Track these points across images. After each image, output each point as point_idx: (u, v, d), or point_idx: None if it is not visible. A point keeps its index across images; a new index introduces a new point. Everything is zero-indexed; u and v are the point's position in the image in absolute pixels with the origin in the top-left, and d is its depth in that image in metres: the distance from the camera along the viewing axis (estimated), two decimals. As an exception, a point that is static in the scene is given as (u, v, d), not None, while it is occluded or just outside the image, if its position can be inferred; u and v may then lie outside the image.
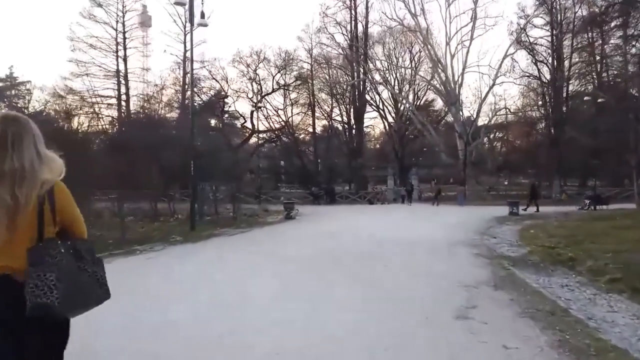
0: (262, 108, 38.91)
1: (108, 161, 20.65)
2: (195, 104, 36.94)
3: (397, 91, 43.46)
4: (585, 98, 36.59)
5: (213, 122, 38.84)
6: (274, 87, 38.48)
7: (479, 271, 8.48)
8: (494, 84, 39.33)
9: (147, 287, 7.33)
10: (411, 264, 9.41)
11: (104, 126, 35.44)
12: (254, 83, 38.26)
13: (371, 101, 44.89)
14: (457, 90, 40.33)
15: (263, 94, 38.43)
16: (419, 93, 46.60)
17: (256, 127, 37.83)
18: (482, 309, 5.81)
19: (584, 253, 9.76)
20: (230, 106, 38.36)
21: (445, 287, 7.17)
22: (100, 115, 35.52)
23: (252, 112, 36.87)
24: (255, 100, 37.05)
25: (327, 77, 41.62)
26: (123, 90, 40.16)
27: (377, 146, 62.78)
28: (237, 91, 37.70)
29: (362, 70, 41.22)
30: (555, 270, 8.58)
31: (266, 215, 21.91)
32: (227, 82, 38.29)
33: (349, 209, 27.80)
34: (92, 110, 36.02)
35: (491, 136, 52.34)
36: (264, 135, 40.99)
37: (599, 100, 33.71)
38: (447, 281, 7.54)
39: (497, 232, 15.71)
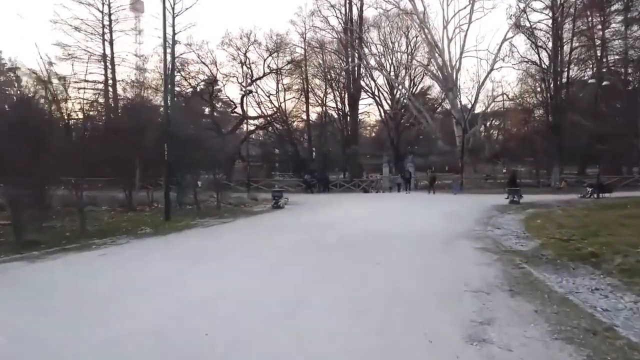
0: (253, 93, 37.04)
1: (89, 148, 19.08)
2: (182, 88, 35.49)
3: (393, 76, 41.81)
4: (591, 81, 35.02)
5: (205, 109, 37.20)
6: (265, 71, 36.77)
7: (488, 270, 7.08)
8: (492, 69, 37.82)
9: (73, 295, 5.82)
10: (408, 262, 8.00)
11: (89, 112, 33.64)
12: (244, 67, 36.65)
13: (366, 87, 43.36)
14: (454, 76, 38.77)
15: (254, 79, 36.67)
16: (415, 79, 45.04)
17: (247, 113, 35.89)
18: (500, 326, 4.42)
19: (607, 247, 8.36)
20: (220, 91, 36.54)
21: (450, 292, 5.78)
22: (86, 101, 33.70)
23: (242, 97, 35.00)
24: (245, 85, 35.11)
25: (321, 62, 39.86)
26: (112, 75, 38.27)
27: (374, 134, 61.33)
28: (226, 75, 35.94)
29: (356, 54, 39.45)
30: (577, 269, 7.18)
31: (254, 204, 20.45)
32: (216, 66, 36.62)
33: (342, 198, 26.34)
34: (78, 96, 34.18)
35: (487, 124, 50.89)
36: (256, 121, 39.06)
37: (604, 83, 32.18)
38: (452, 284, 6.15)
39: (500, 222, 14.32)
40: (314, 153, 42.68)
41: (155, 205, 17.46)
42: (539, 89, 42.15)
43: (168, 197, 13.67)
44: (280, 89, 38.82)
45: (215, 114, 37.09)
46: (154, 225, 12.51)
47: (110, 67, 36.81)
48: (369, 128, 61.22)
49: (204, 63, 34.95)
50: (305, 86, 40.37)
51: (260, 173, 41.48)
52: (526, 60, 39.94)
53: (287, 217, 16.04)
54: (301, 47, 40.12)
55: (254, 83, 35.99)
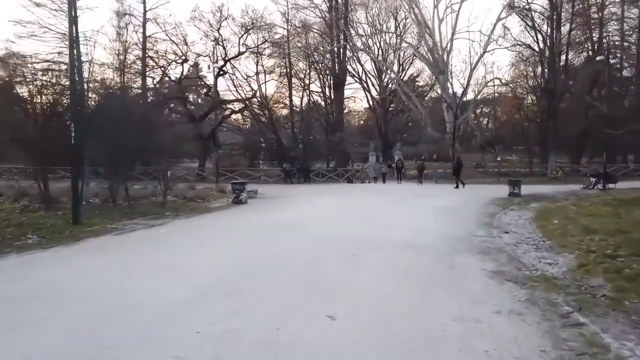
0: (229, 75, 33.29)
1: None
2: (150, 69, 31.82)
3: (381, 59, 38.35)
4: (598, 58, 31.82)
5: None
6: (241, 50, 32.77)
7: (519, 332, 3.92)
8: (485, 51, 34.42)
9: None
10: (383, 312, 4.74)
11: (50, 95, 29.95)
12: (218, 45, 32.42)
13: (353, 72, 39.89)
14: (445, 58, 35.42)
15: (228, 58, 32.70)
16: (405, 64, 41.56)
17: (221, 96, 31.99)
18: None
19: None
20: (189, 71, 32.47)
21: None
22: (47, 83, 29.98)
23: (215, 78, 31.17)
24: (219, 66, 31.36)
25: (305, 42, 36.15)
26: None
27: (362, 122, 58.05)
28: (199, 55, 32.10)
29: (342, 35, 35.88)
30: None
31: (218, 197, 17.09)
32: (186, 43, 32.19)
33: (322, 190, 23.09)
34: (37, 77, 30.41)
35: (477, 111, 47.77)
36: (233, 106, 35.24)
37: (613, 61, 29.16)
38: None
39: (507, 223, 11.25)
40: (298, 140, 39.23)
41: (93, 200, 14.10)
42: (532, 74, 39.24)
43: (76, 192, 10.14)
44: (260, 71, 34.94)
45: (181, 96, 32.93)
46: (52, 232, 9.17)
47: (75, 46, 32.62)
48: (357, 116, 57.96)
49: (172, 41, 31.24)
50: (289, 69, 36.81)
51: (244, 162, 37.97)
52: (520, 43, 36.71)
53: (242, 216, 12.77)
54: (283, 28, 36.52)
55: (229, 63, 32.07)
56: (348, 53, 37.82)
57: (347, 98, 40.51)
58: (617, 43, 36.69)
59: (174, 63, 30.68)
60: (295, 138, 37.82)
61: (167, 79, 31.40)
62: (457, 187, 22.88)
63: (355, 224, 10.88)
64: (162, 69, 30.95)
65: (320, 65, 37.54)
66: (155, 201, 14.44)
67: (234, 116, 39.70)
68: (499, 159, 30.70)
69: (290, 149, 35.00)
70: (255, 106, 35.69)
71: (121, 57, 31.51)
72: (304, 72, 37.73)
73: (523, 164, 40.70)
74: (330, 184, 27.95)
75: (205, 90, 31.74)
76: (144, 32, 32.50)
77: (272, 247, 8.12)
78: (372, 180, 29.37)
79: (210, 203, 15.63)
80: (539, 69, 39.33)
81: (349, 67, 38.76)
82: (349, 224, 10.76)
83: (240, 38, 31.37)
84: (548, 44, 34.59)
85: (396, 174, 29.05)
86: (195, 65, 33.86)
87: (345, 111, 48.68)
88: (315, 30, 36.94)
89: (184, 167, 33.54)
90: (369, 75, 40.54)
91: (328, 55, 37.17)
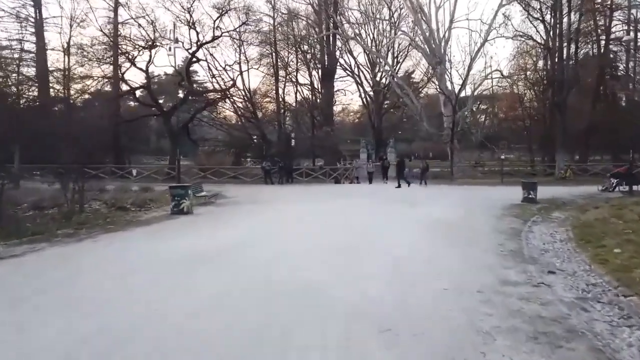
0: (205, 63, 29.12)
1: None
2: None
3: (374, 49, 34.35)
4: (626, 38, 27.87)
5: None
6: (215, 34, 28.47)
7: None
8: (485, 40, 30.57)
9: None
10: None
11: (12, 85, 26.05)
12: (191, 30, 27.82)
13: (345, 65, 35.93)
14: (442, 49, 31.54)
15: (201, 43, 28.04)
16: (399, 56, 37.55)
17: (193, 85, 27.53)
18: None
19: None
20: (154, 57, 28.10)
21: None
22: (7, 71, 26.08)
23: (187, 66, 27.06)
24: (190, 52, 27.33)
25: (292, 31, 32.16)
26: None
27: (356, 120, 54.09)
28: (170, 40, 27.69)
29: (331, 22, 31.92)
30: None
31: (160, 204, 13.06)
32: (154, 27, 27.37)
33: (303, 192, 19.18)
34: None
35: (474, 108, 43.79)
36: (212, 96, 30.92)
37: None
38: None
39: (541, 249, 7.51)
40: (292, 138, 35.18)
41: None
42: (533, 67, 35.41)
43: None
44: (242, 60, 30.69)
45: (152, 86, 28.65)
46: None
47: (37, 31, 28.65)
48: (352, 114, 53.95)
49: (138, 24, 27.04)
50: (275, 60, 32.81)
51: (227, 160, 33.91)
52: (521, 34, 32.84)
53: (166, 235, 8.72)
54: (270, 16, 32.46)
55: (204, 49, 27.79)
56: (338, 43, 33.89)
57: (338, 90, 36.45)
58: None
59: (140, 49, 26.52)
60: (285, 134, 33.84)
61: (134, 67, 27.26)
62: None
63: (316, 255, 6.99)
64: (127, 55, 26.76)
65: (308, 54, 33.52)
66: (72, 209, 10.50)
67: (221, 112, 35.77)
68: (502, 157, 26.77)
69: (273, 145, 31.00)
70: (237, 99, 31.55)
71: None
72: (291, 62, 33.73)
73: (524, 162, 37.00)
74: (314, 185, 23.97)
75: (177, 81, 27.60)
76: (115, 15, 28.50)
77: (146, 311, 4.33)
78: (355, 180, 25.41)
79: (146, 213, 11.71)
80: (541, 62, 35.75)
81: (340, 60, 34.89)
82: (306, 257, 6.86)
83: (215, 21, 27.11)
84: (551, 34, 30.88)
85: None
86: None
87: (339, 108, 44.85)
88: (302, 17, 32.96)
89: (156, 166, 29.68)
90: (362, 68, 36.64)
91: (318, 46, 33.22)
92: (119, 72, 27.58)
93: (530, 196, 14.60)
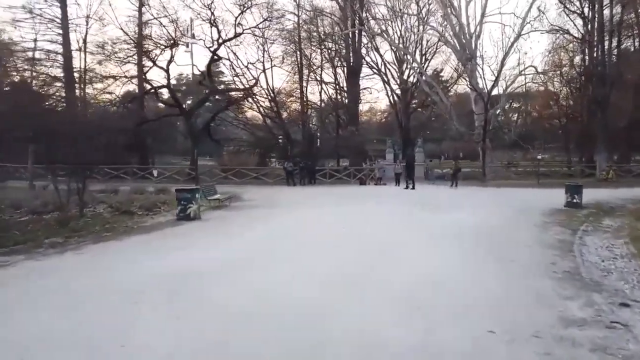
0: (228, 62, 28.31)
1: None
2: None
3: (401, 46, 32.85)
4: None
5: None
6: (237, 32, 26.59)
7: None
8: (519, 35, 28.62)
9: None
10: None
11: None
12: (212, 27, 26.46)
13: (371, 63, 34.58)
14: (473, 44, 29.79)
15: (222, 40, 26.99)
16: (427, 54, 35.92)
17: (215, 84, 26.69)
18: None
19: None
20: (174, 55, 27.43)
21: None
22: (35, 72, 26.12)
23: (208, 65, 26.23)
24: (212, 50, 26.55)
25: (316, 28, 31.10)
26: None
27: (383, 120, 52.51)
28: (190, 37, 26.91)
29: (357, 19, 30.67)
30: None
31: (171, 207, 12.09)
32: (176, 25, 26.30)
33: (325, 194, 18.01)
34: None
35: (506, 106, 41.52)
36: (235, 94, 30.10)
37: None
38: None
39: (602, 269, 6.32)
40: (317, 138, 34.07)
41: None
42: (569, 64, 33.13)
43: None
44: (265, 58, 29.76)
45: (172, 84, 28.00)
46: None
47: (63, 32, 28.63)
48: (378, 113, 52.40)
49: (160, 23, 26.20)
50: (299, 59, 31.82)
51: (252, 160, 33.17)
52: (557, 28, 30.67)
53: (164, 245, 7.72)
54: (294, 14, 31.49)
55: (225, 46, 26.86)
56: (364, 40, 32.64)
57: (364, 89, 35.08)
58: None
59: (162, 48, 25.94)
60: (311, 134, 32.76)
61: (156, 66, 26.75)
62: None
63: (322, 279, 5.83)
64: (148, 54, 26.21)
65: (333, 52, 32.36)
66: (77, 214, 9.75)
67: (245, 111, 35.02)
68: (539, 157, 24.89)
69: (298, 144, 29.96)
70: (261, 98, 30.64)
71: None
72: (315, 60, 32.64)
73: (559, 162, 34.74)
74: (337, 187, 22.81)
75: (199, 80, 26.92)
76: (139, 15, 28.18)
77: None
78: (379, 182, 23.98)
79: (152, 217, 10.90)
80: (577, 58, 33.44)
81: (366, 57, 33.57)
82: (313, 286, 5.65)
83: (236, 18, 26.19)
84: (589, 27, 28.68)
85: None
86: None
87: (365, 107, 43.49)
88: (327, 14, 31.81)
89: (178, 167, 29.15)
90: (389, 66, 35.18)
91: (343, 43, 32.01)
92: (142, 71, 27.20)
93: (574, 201, 13.05)
